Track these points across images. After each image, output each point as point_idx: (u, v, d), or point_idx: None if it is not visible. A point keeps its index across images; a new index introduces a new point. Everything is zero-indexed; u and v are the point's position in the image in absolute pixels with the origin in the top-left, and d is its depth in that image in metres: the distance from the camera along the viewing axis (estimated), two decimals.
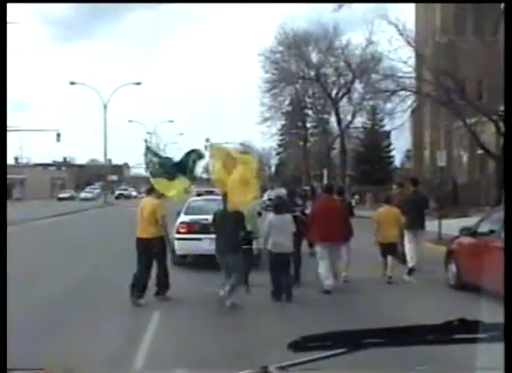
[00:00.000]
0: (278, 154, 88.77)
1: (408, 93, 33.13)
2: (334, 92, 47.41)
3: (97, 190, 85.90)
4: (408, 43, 32.08)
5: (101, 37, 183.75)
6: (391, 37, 30.69)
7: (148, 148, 12.55)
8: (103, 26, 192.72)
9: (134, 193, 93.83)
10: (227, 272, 10.43)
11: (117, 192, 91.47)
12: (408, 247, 13.98)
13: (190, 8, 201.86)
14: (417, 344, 1.97)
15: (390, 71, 35.10)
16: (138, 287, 10.68)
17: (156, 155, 12.29)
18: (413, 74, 35.02)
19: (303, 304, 10.78)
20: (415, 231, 14.08)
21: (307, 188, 25.66)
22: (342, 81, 46.53)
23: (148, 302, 10.67)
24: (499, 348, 1.89)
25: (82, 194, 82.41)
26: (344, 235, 12.48)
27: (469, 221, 19.63)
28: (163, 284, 11.04)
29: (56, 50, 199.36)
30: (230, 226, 10.38)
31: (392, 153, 67.63)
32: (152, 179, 11.62)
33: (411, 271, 13.35)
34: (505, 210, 8.83)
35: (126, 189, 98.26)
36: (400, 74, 32.92)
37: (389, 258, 13.15)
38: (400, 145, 69.39)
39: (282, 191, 35.63)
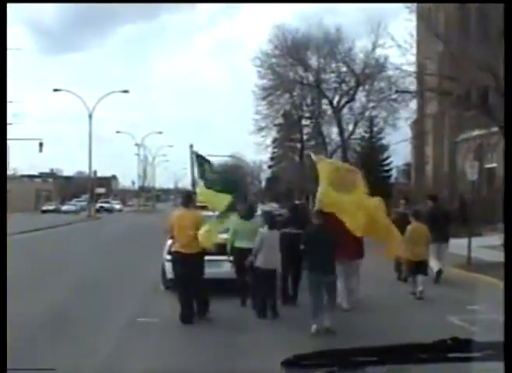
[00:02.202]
0: (270, 167, 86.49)
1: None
2: (335, 100, 45.08)
3: (81, 203, 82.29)
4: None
5: (89, 50, 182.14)
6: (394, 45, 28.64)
7: (198, 156, 11.90)
8: (90, 38, 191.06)
9: (118, 207, 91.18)
10: (319, 295, 9.77)
11: (98, 205, 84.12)
12: (432, 258, 14.77)
13: (181, 22, 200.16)
14: (410, 363, 1.94)
15: (394, 78, 33.04)
16: (186, 310, 10.16)
17: (209, 164, 11.76)
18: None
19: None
20: (439, 245, 15.16)
21: (298, 203, 23.66)
22: (345, 87, 44.25)
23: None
24: (492, 366, 1.88)
25: (65, 207, 79.66)
26: (358, 251, 11.86)
27: (485, 241, 17.71)
28: (204, 303, 10.50)
29: (42, 60, 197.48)
30: (326, 244, 9.79)
31: (390, 167, 65.65)
32: (200, 189, 11.31)
33: (439, 273, 14.70)
34: (504, 212, 8.09)
35: (108, 202, 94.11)
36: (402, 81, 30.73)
37: (420, 276, 13.00)
38: (397, 160, 67.82)
39: (274, 206, 34.36)
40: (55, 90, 57.55)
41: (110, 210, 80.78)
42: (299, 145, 61.57)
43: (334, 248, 9.91)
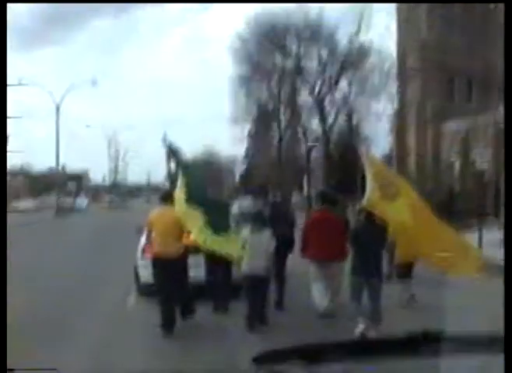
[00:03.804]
0: (244, 162, 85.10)
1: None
2: (317, 88, 43.31)
3: (36, 200, 76.31)
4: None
5: (58, 45, 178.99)
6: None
7: (173, 152, 10.90)
8: (60, 33, 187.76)
9: (84, 204, 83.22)
10: (358, 298, 9.39)
11: (57, 202, 67.96)
12: None
13: (154, 15, 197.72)
14: (381, 357, 1.93)
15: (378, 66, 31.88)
16: (167, 321, 9.35)
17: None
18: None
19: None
20: None
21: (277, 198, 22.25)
22: (328, 74, 42.51)
23: None
24: (463, 359, 1.91)
25: (22, 205, 71.99)
26: (341, 251, 10.80)
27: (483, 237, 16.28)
28: (188, 307, 9.85)
29: (9, 56, 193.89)
30: (373, 243, 9.25)
31: None
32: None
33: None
34: (505, 210, 7.87)
35: (68, 198, 77.40)
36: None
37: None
38: (378, 151, 66.85)
39: (247, 201, 33.19)
40: (20, 84, 55.54)
41: (69, 210, 65.98)
42: (275, 139, 60.25)
43: (382, 249, 9.52)
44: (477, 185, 34.43)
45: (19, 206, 69.37)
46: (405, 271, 11.88)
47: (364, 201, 9.07)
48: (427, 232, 8.26)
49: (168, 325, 9.40)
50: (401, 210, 8.45)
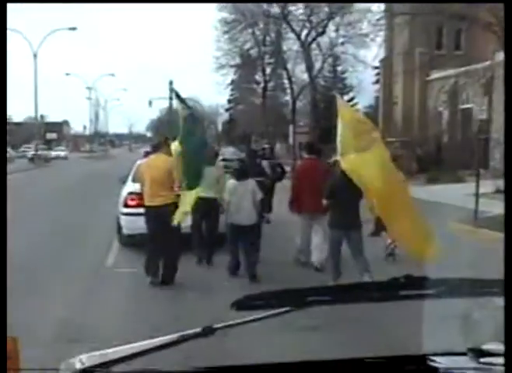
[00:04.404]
0: (227, 110, 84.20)
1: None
2: (303, 34, 42.17)
3: (12, 151, 71.18)
4: None
5: None
6: None
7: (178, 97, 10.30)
8: None
9: (62, 153, 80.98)
10: (337, 252, 9.21)
11: (31, 152, 64.31)
12: None
13: None
14: (362, 301, 1.96)
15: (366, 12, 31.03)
16: (151, 269, 9.34)
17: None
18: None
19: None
20: None
21: (267, 146, 22.13)
22: (314, 20, 41.41)
23: None
24: (444, 303, 1.98)
25: None
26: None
27: (471, 188, 15.90)
28: (171, 266, 9.43)
29: None
30: (349, 195, 8.82)
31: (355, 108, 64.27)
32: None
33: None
34: (505, 206, 5.81)
35: (48, 149, 71.10)
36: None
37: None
38: (363, 101, 66.41)
39: (231, 150, 32.80)
40: None
41: (47, 160, 62.64)
42: (257, 87, 59.35)
43: (359, 201, 9.03)
44: (466, 135, 34.11)
45: None
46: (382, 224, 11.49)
47: (338, 151, 8.86)
48: (391, 195, 8.01)
49: (154, 274, 9.37)
50: (371, 163, 8.18)
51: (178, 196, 9.50)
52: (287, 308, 1.92)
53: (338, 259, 9.21)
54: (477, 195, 14.72)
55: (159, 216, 9.30)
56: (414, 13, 26.80)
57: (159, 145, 10.02)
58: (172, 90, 10.02)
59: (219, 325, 1.91)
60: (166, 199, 9.36)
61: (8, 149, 79.93)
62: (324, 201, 9.38)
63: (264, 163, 14.47)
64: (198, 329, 1.89)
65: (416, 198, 16.78)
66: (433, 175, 27.18)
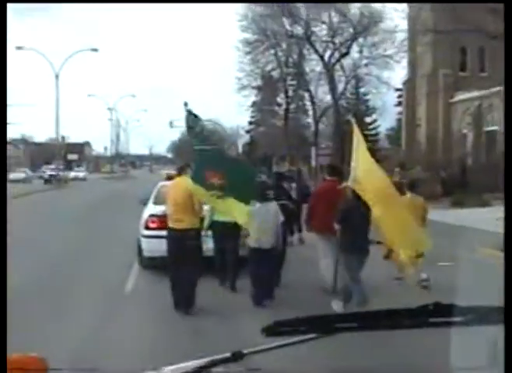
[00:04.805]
0: (247, 132, 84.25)
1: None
2: (327, 55, 42.11)
3: (29, 171, 73.95)
4: None
5: (54, 9, 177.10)
6: None
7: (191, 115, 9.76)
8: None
9: (81, 175, 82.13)
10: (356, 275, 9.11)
11: (48, 173, 64.91)
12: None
13: None
14: (391, 328, 1.96)
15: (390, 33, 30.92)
16: (179, 299, 9.18)
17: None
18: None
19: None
20: None
21: (294, 169, 21.89)
22: (338, 41, 41.35)
23: None
24: (473, 331, 1.96)
25: (12, 175, 65.84)
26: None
27: (497, 212, 15.51)
28: (188, 295, 9.25)
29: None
30: (360, 220, 8.93)
31: (377, 131, 64.01)
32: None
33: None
34: (505, 207, 6.10)
35: (59, 169, 63.30)
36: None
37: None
38: (385, 124, 66.39)
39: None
40: (18, 48, 54.28)
41: (64, 181, 60.51)
42: (279, 108, 59.29)
43: (368, 225, 9.15)
44: (491, 158, 33.76)
45: (10, 176, 61.60)
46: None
47: (351, 174, 9.05)
48: (392, 223, 8.51)
49: (178, 299, 9.29)
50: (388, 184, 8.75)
51: (202, 220, 9.47)
52: (316, 335, 1.94)
53: (359, 283, 9.07)
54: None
55: (181, 239, 9.27)
56: (436, 31, 26.85)
57: (183, 168, 10.04)
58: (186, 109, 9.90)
59: (248, 350, 1.91)
60: (188, 224, 9.35)
61: (26, 169, 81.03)
62: (336, 226, 9.34)
63: (292, 186, 14.38)
64: (228, 354, 1.89)
65: (441, 222, 16.47)
66: (457, 198, 26.87)
